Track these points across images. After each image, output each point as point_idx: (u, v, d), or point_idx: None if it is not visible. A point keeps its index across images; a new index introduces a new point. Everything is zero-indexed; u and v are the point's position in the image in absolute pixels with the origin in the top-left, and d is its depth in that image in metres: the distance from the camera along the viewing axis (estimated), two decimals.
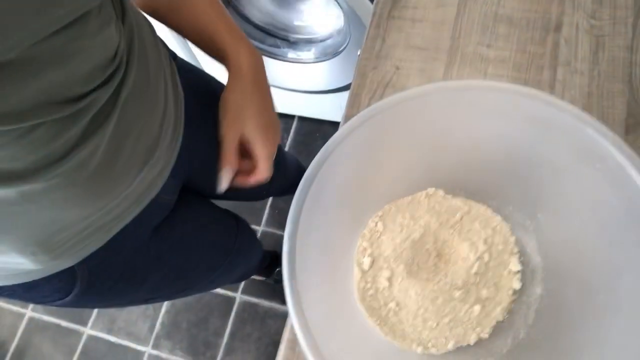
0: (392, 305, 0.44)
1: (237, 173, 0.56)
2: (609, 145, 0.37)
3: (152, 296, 0.67)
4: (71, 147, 0.38)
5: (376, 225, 0.47)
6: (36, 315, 1.51)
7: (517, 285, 0.46)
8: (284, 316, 1.39)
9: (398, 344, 0.43)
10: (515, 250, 0.47)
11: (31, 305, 1.49)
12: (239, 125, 0.55)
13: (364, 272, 0.45)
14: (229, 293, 1.44)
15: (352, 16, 0.98)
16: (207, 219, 0.73)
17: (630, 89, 0.54)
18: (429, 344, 0.43)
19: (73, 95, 0.36)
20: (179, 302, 1.44)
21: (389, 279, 0.45)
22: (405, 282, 0.44)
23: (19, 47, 0.30)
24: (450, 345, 0.43)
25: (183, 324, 1.43)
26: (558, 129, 0.39)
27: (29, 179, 0.36)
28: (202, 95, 0.63)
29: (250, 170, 0.57)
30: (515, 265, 0.46)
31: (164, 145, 0.50)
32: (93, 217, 0.46)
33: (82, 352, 1.44)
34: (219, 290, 1.44)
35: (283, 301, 1.37)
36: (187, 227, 0.66)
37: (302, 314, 0.35)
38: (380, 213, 0.48)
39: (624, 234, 0.38)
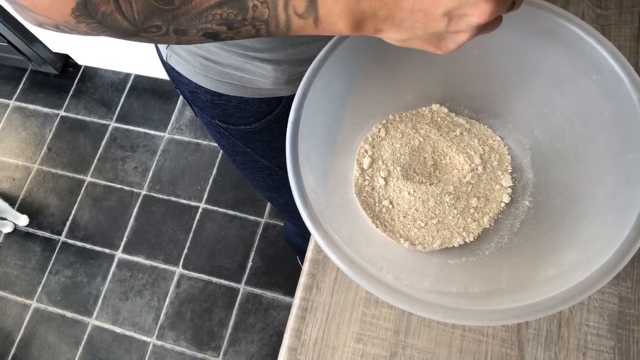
0: (385, 202, 0.47)
1: None
2: (607, 55, 0.39)
3: (272, 174, 0.72)
4: None
5: (379, 131, 0.50)
6: (41, 306, 1.50)
7: (506, 199, 0.48)
8: (287, 307, 1.41)
9: (387, 237, 0.46)
10: (509, 168, 0.49)
11: (36, 296, 1.51)
12: None
13: (362, 170, 0.48)
14: (233, 284, 1.46)
15: None
16: None
17: None
18: (416, 242, 0.46)
19: None
20: (183, 293, 1.47)
21: (386, 179, 0.47)
22: (400, 182, 0.47)
23: None
24: (436, 245, 0.46)
25: (187, 314, 1.44)
26: (562, 40, 0.41)
27: None
28: None
29: None
30: (507, 181, 0.49)
31: None
32: None
33: (87, 343, 1.45)
34: (223, 281, 1.46)
35: (286, 293, 1.42)
36: None
37: (301, 180, 0.38)
38: (384, 121, 0.50)
39: (611, 143, 0.40)
